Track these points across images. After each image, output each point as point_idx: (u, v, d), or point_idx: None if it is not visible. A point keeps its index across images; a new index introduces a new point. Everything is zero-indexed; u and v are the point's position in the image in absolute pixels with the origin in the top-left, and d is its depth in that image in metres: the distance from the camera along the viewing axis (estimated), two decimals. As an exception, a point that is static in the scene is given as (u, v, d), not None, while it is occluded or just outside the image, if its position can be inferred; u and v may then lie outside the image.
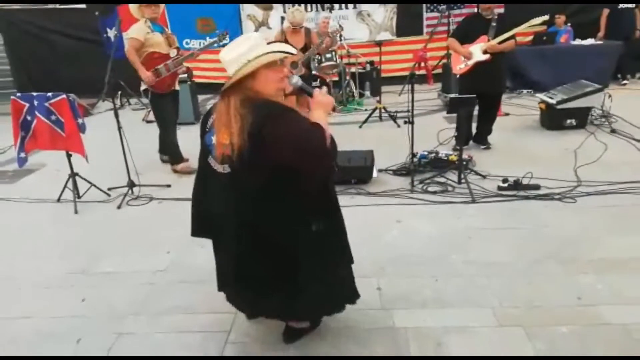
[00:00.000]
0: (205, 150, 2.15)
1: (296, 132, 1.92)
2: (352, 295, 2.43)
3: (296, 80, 2.04)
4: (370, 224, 3.73)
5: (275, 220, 2.08)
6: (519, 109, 7.06)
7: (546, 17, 4.99)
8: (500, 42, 4.88)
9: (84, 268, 3.33)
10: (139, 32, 4.68)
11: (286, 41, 5.66)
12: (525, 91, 8.15)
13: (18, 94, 4.31)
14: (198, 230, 2.37)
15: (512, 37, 4.93)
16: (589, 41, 8.20)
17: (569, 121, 5.86)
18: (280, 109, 1.98)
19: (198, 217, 2.34)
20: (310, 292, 2.21)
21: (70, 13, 9.68)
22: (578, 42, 8.29)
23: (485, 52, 4.91)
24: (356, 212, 3.94)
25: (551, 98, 5.93)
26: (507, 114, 6.72)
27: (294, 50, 2.17)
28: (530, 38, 8.46)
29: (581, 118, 5.87)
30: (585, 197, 3.98)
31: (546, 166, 4.60)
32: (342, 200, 4.02)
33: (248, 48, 1.99)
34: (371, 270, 3.06)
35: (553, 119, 5.93)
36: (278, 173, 1.98)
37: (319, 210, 2.13)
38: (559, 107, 5.80)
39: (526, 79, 8.16)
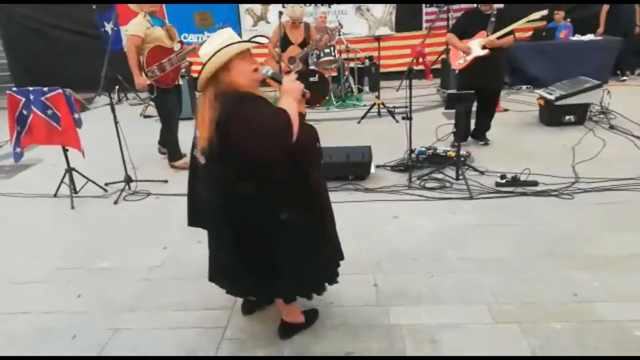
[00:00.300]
0: (193, 144, 2.22)
1: (257, 117, 1.94)
2: (319, 288, 2.43)
3: (267, 70, 2.09)
4: (368, 220, 3.73)
5: (248, 212, 2.11)
6: (517, 105, 7.05)
7: (545, 12, 4.97)
8: (498, 38, 4.86)
9: (80, 264, 3.32)
10: (138, 28, 4.60)
11: (285, 36, 5.63)
12: (524, 87, 8.14)
13: (14, 89, 4.29)
14: (192, 220, 2.43)
15: (511, 32, 4.91)
16: (589, 37, 8.18)
17: (567, 117, 5.86)
18: (247, 97, 2.01)
19: (191, 209, 2.41)
20: (282, 284, 2.27)
21: (68, 7, 9.62)
22: (577, 37, 8.27)
23: (484, 47, 4.89)
24: (353, 208, 3.95)
25: (550, 94, 5.92)
26: (506, 110, 6.72)
27: (263, 40, 2.19)
28: (529, 34, 8.43)
29: (580, 114, 5.86)
30: (583, 193, 3.97)
31: (544, 162, 4.60)
32: (340, 196, 4.12)
33: (220, 42, 2.02)
34: (367, 266, 3.06)
35: (552, 115, 5.92)
36: (247, 162, 2.00)
37: (294, 202, 2.13)
38: (557, 103, 5.79)
39: (525, 75, 8.15)
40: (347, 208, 3.92)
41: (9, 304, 2.90)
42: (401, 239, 3.41)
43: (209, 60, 1.99)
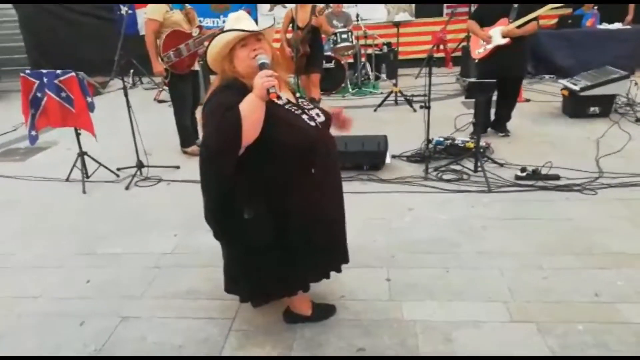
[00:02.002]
0: None
1: (215, 108, 1.91)
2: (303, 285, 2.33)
3: (258, 58, 1.97)
4: (382, 211, 3.64)
5: (214, 206, 2.08)
6: (540, 95, 6.87)
7: None
8: (520, 26, 4.66)
9: (91, 249, 3.30)
10: (157, 11, 4.54)
11: (292, 19, 5.61)
12: (547, 76, 7.93)
13: (27, 71, 4.27)
14: None
15: (534, 19, 4.71)
16: (616, 25, 7.90)
17: (592, 109, 5.67)
18: (228, 86, 1.97)
19: None
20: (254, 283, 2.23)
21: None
22: (604, 26, 8.00)
23: (505, 36, 4.71)
24: (368, 199, 3.87)
25: (574, 84, 5.73)
26: (527, 100, 6.55)
27: (266, 25, 2.11)
28: (554, 21, 8.18)
29: (605, 106, 5.67)
30: (607, 189, 3.82)
31: (567, 155, 4.45)
32: (354, 186, 4.04)
33: (227, 26, 2.01)
34: (381, 259, 2.99)
35: (576, 106, 5.74)
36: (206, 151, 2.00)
37: (260, 202, 2.03)
38: (582, 94, 5.60)
39: (549, 64, 7.93)
40: (361, 199, 3.85)
41: (19, 288, 2.89)
42: (416, 231, 3.32)
43: (210, 42, 1.98)
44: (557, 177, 4.01)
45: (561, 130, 5.38)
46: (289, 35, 5.64)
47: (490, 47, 4.81)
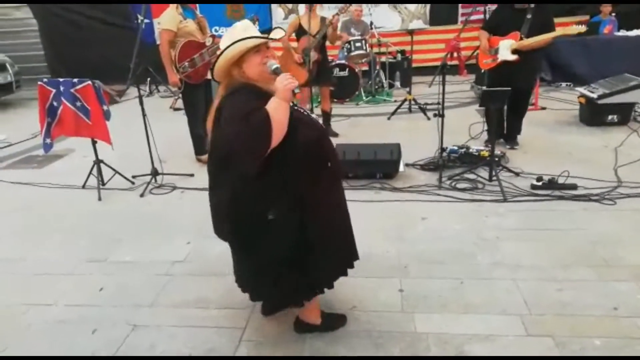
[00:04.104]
0: None
1: (236, 111, 1.91)
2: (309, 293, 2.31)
3: (270, 64, 2.05)
4: (395, 220, 3.60)
5: (232, 208, 2.08)
6: (557, 103, 6.79)
7: (583, 29, 4.50)
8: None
9: (104, 256, 3.32)
10: (171, 22, 4.56)
11: (300, 26, 5.61)
12: (564, 84, 7.84)
13: (44, 79, 4.34)
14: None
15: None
16: (635, 32, 7.78)
17: (610, 117, 5.58)
18: (243, 88, 2.00)
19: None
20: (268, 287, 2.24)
21: (104, -1, 9.78)
22: (623, 33, 7.88)
23: (514, 51, 4.60)
24: (380, 208, 3.83)
25: (592, 92, 5.65)
26: (544, 108, 6.47)
27: (278, 34, 2.16)
28: (571, 28, 8.07)
29: (624, 114, 5.59)
30: (626, 199, 3.74)
31: (584, 165, 4.37)
32: (367, 195, 4.01)
33: (236, 36, 2.02)
34: (394, 269, 2.95)
35: (593, 114, 5.65)
36: (227, 156, 2.01)
37: (281, 203, 2.04)
38: (600, 101, 5.52)
39: (566, 71, 7.85)
40: (374, 208, 3.82)
41: (32, 295, 2.91)
42: (430, 241, 3.28)
43: (222, 52, 2.00)
44: (574, 187, 3.94)
45: (578, 138, 5.30)
46: (295, 44, 5.64)
47: (499, 60, 4.72)
